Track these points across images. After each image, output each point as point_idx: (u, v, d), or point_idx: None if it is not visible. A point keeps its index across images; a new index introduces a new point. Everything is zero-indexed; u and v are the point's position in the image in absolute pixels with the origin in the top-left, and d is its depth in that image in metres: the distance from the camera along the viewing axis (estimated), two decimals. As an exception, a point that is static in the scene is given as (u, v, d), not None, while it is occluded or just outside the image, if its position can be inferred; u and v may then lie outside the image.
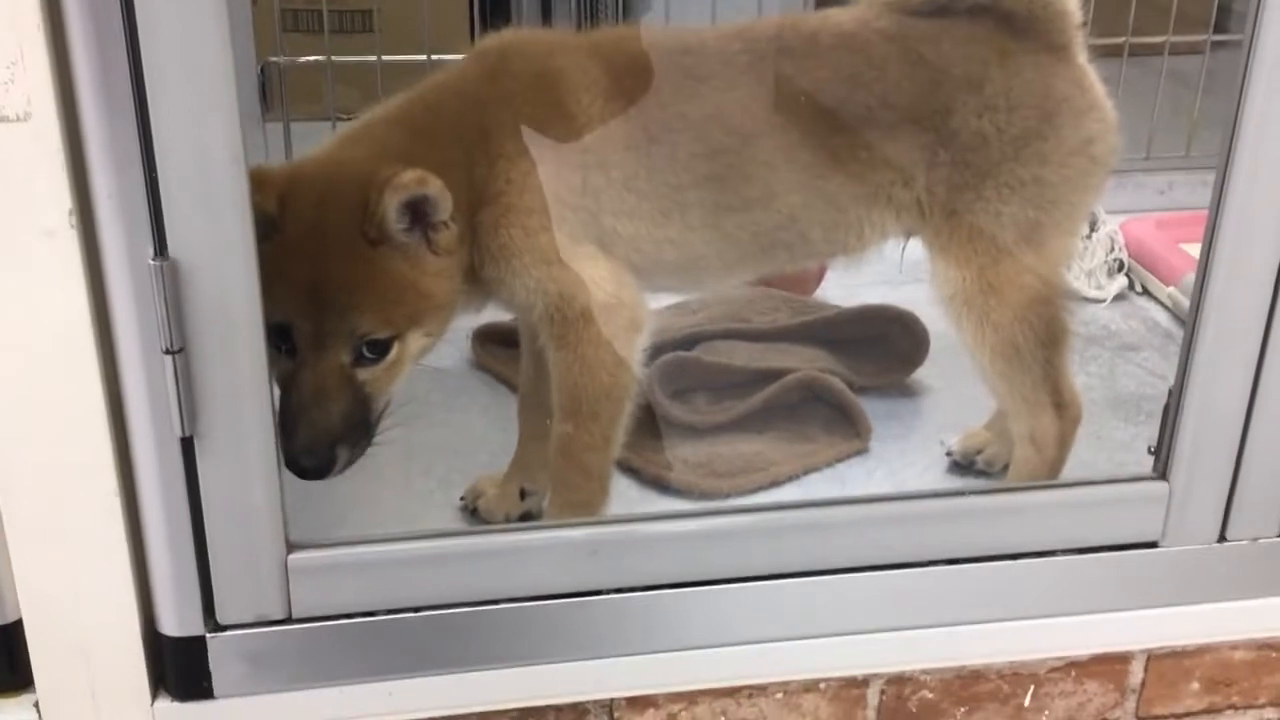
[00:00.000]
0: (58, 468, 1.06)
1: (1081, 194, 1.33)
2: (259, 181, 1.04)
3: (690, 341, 1.67)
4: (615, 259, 1.25)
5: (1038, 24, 1.28)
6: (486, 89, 1.24)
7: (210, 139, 0.96)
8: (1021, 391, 1.33)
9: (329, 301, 1.10)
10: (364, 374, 1.14)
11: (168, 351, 1.02)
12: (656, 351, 1.62)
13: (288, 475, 1.12)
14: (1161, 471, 1.29)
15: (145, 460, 1.07)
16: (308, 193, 1.12)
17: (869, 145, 1.27)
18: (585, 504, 1.30)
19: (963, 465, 1.51)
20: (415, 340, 1.16)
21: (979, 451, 1.50)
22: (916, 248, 1.37)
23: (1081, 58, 1.32)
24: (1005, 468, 1.46)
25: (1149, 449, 1.31)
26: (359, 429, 1.14)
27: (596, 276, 1.23)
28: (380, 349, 1.13)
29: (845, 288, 1.94)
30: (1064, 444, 1.37)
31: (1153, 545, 1.29)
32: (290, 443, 1.11)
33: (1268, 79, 1.14)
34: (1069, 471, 1.41)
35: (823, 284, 1.89)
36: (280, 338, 1.12)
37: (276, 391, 1.13)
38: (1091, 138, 1.31)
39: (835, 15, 1.33)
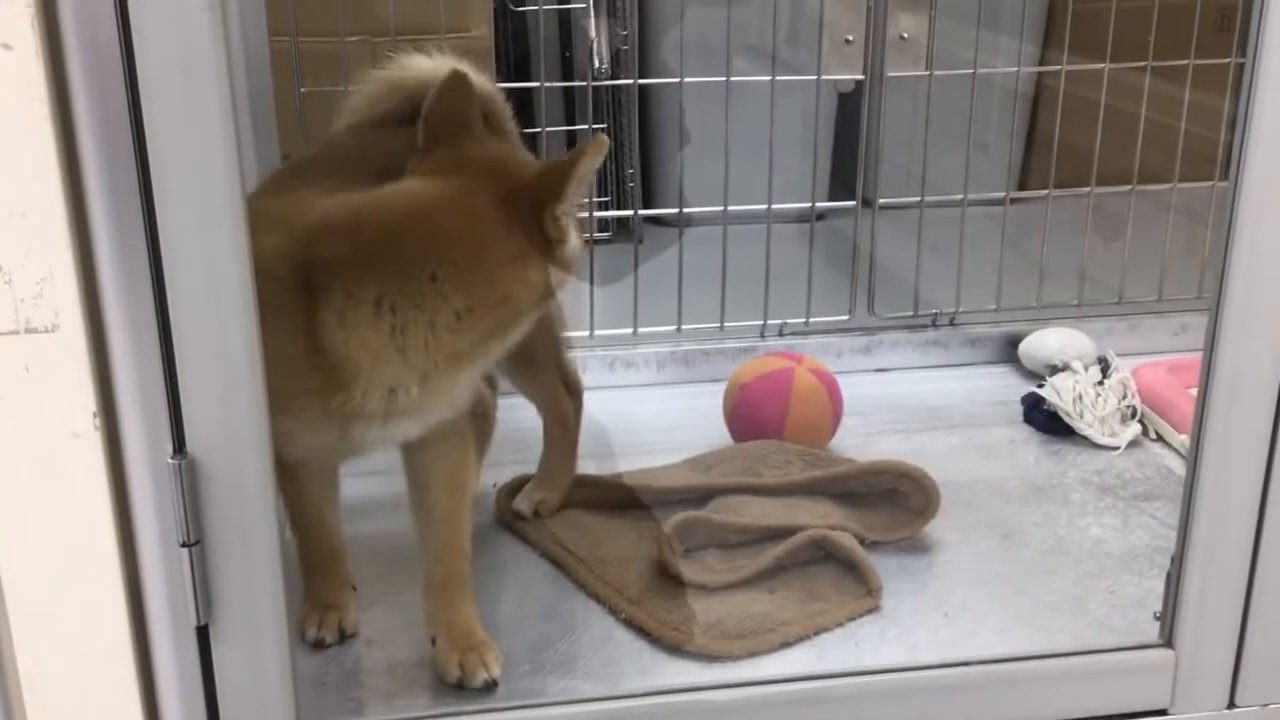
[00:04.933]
0: (79, 658, 1.10)
1: None
2: None
3: (703, 498, 1.70)
4: None
5: None
6: None
7: (230, 345, 1.01)
8: None
9: None
10: None
11: (184, 544, 1.06)
12: (671, 509, 1.66)
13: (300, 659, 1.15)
14: (1167, 638, 1.29)
15: (163, 649, 1.10)
16: None
17: None
18: None
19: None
20: None
21: None
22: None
23: None
24: None
25: (1155, 615, 1.32)
26: None
27: None
28: None
29: (860, 436, 1.97)
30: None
31: (1162, 713, 1.29)
32: None
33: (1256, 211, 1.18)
34: (1086, 630, 1.42)
35: (838, 433, 1.92)
36: None
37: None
38: None
39: None
